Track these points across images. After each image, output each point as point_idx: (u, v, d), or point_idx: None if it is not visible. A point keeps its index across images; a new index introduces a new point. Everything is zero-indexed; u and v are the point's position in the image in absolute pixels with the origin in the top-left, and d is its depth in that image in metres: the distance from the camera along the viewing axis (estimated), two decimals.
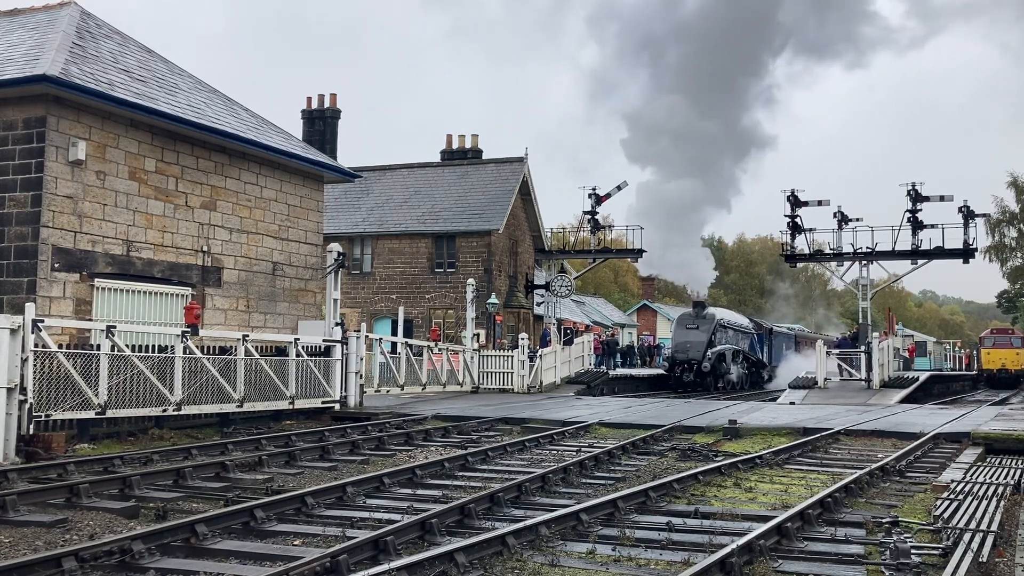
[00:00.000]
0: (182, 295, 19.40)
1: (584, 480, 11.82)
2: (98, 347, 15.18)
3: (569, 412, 21.07)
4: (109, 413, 14.79)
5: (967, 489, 10.40)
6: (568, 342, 36.85)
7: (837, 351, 34.95)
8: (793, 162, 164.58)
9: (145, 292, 18.60)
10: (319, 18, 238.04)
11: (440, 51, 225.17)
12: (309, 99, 43.98)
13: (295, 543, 8.08)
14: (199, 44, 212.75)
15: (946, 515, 8.78)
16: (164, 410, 15.87)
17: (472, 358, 29.29)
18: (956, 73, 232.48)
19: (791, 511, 8.76)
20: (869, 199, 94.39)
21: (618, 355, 48.18)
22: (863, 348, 33.14)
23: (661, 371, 44.09)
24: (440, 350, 27.39)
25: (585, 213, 43.59)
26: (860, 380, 31.97)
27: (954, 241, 38.80)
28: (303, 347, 19.75)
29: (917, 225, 38.78)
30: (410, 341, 26.77)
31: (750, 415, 20.64)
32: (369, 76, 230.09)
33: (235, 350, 17.71)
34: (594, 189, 42.77)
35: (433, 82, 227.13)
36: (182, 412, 16.23)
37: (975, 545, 7.47)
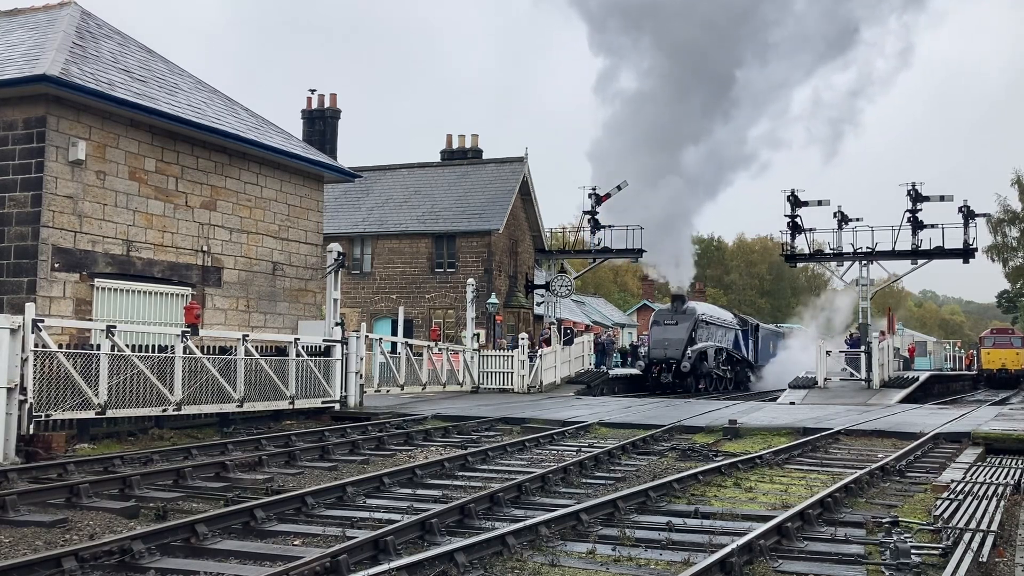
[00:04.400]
0: (182, 295, 19.40)
1: (584, 480, 11.82)
2: (98, 347, 15.19)
3: (569, 412, 21.06)
4: (109, 413, 14.79)
5: (967, 489, 10.39)
6: (568, 342, 36.81)
7: (836, 351, 34.94)
8: (794, 161, 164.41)
9: (145, 292, 18.60)
10: (319, 18, 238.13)
11: (441, 50, 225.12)
12: (309, 99, 43.98)
13: (295, 543, 8.08)
14: (199, 43, 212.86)
15: (946, 515, 8.78)
16: (164, 410, 15.87)
17: (472, 358, 29.29)
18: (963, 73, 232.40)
19: (791, 511, 8.77)
20: (870, 199, 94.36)
21: (616, 355, 47.98)
22: (863, 348, 33.16)
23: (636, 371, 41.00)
24: (440, 350, 27.40)
25: (585, 213, 43.46)
26: (860, 380, 32.01)
27: (954, 241, 38.70)
28: (303, 347, 19.75)
29: (917, 225, 38.68)
30: (410, 341, 26.80)
31: (750, 415, 20.65)
32: (369, 76, 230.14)
33: (235, 350, 17.71)
34: (594, 189, 42.56)
35: (434, 82, 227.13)
36: (182, 412, 16.23)
37: (975, 545, 7.47)
